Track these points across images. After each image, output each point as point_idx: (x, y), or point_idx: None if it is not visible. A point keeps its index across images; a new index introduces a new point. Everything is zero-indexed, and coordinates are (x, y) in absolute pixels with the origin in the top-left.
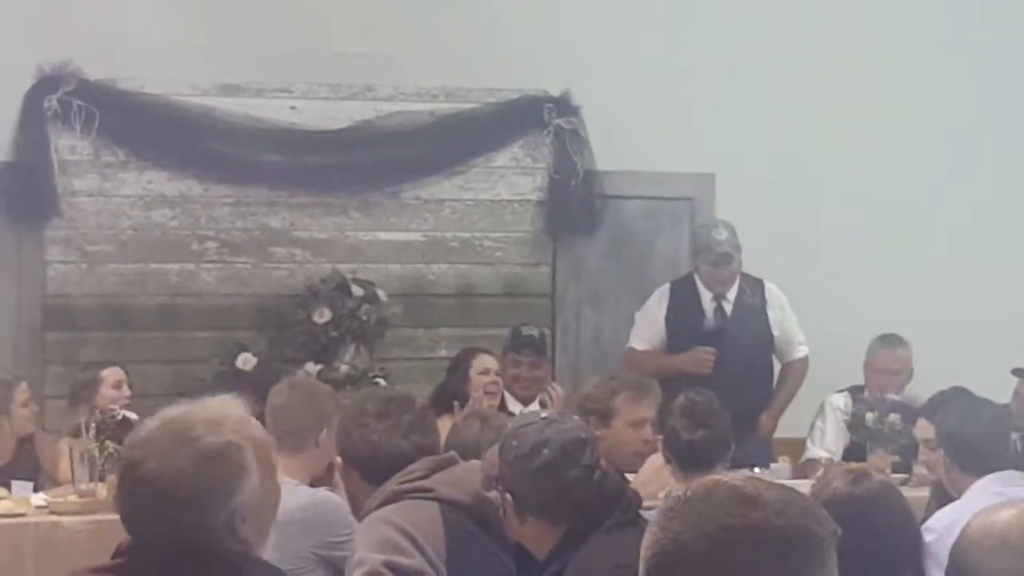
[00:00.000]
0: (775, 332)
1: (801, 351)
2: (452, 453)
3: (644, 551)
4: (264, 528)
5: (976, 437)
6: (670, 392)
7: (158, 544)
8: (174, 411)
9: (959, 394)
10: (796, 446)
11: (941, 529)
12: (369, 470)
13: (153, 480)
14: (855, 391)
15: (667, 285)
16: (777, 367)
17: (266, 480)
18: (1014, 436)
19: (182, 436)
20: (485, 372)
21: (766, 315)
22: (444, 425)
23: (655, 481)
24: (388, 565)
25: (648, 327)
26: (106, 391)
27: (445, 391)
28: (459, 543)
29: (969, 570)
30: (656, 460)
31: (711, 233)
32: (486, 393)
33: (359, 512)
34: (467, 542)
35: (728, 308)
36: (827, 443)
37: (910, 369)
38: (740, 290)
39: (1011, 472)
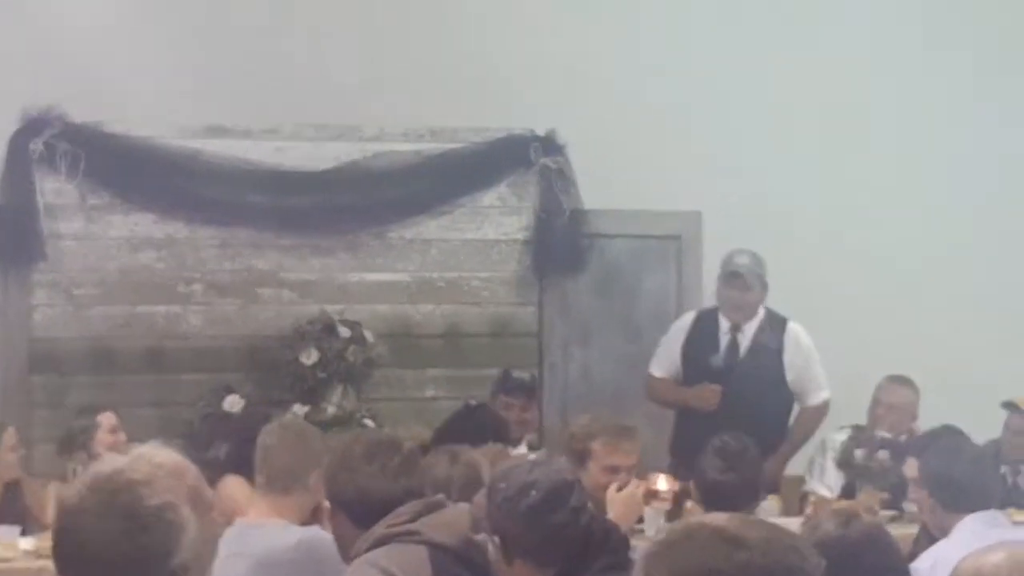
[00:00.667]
0: (788, 376)
1: (819, 397)
2: (440, 496)
3: None
4: (206, 567)
5: (959, 477)
6: (686, 423)
7: None
8: (103, 472)
9: (945, 433)
10: (787, 484)
11: (925, 570)
12: (358, 513)
13: (87, 550)
14: (857, 430)
15: (694, 312)
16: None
17: (203, 523)
18: (1003, 470)
19: (113, 503)
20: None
21: (780, 358)
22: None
23: (628, 510)
24: None
25: (667, 354)
26: (102, 436)
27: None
28: None
29: None
30: (616, 491)
31: (733, 255)
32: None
33: (347, 555)
34: None
35: (743, 345)
36: (827, 479)
37: (915, 411)
38: (760, 328)
39: (993, 512)
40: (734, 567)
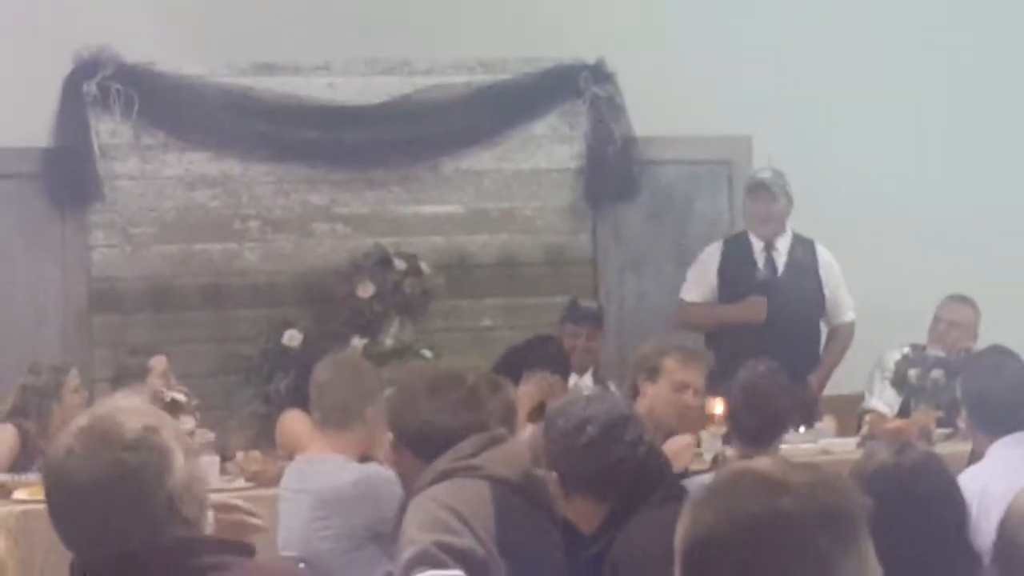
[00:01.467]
0: (825, 292)
1: (849, 315)
2: (502, 431)
3: (678, 542)
4: (203, 504)
5: (996, 397)
6: (720, 347)
7: (105, 552)
8: (83, 418)
9: (989, 352)
10: (843, 403)
11: (972, 495)
12: (420, 448)
13: (78, 486)
14: (913, 348)
15: (720, 241)
16: (823, 331)
17: (189, 459)
18: None
19: (100, 438)
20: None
21: (818, 274)
22: None
23: (680, 461)
24: (438, 545)
25: (700, 279)
26: (154, 380)
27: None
28: (508, 521)
29: (1018, 543)
30: (678, 440)
31: (756, 172)
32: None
33: (410, 489)
34: (516, 520)
35: (780, 262)
36: (885, 397)
37: (974, 330)
38: (792, 247)
39: None
40: (777, 513)
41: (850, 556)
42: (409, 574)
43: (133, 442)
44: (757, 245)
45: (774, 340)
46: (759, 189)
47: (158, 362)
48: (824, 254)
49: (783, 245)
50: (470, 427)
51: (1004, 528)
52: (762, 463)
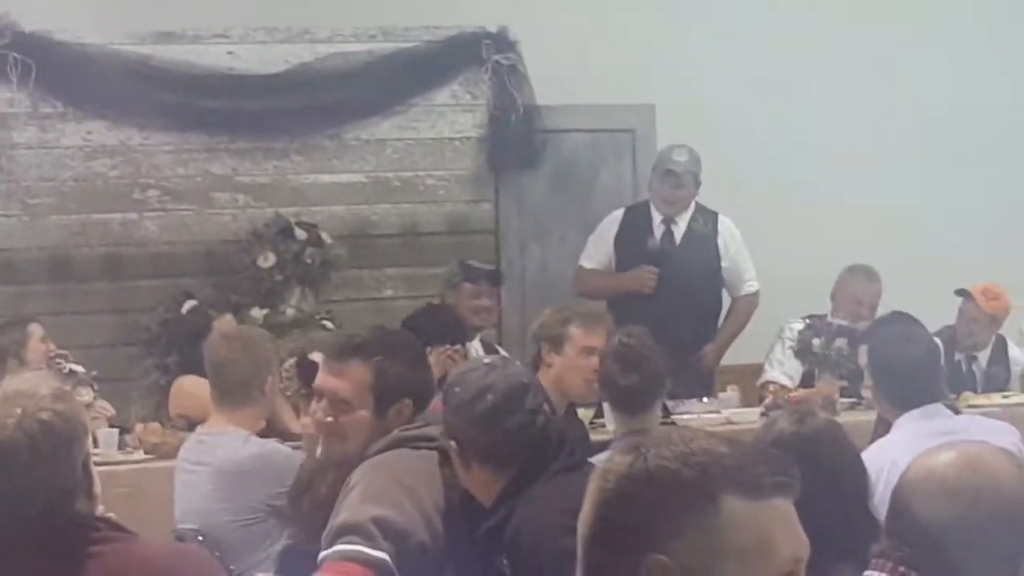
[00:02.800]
0: (724, 264)
1: (750, 287)
2: None
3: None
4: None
5: (905, 370)
6: (619, 315)
7: (13, 515)
8: None
9: (894, 321)
10: (747, 373)
11: (877, 470)
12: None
13: (13, 439)
14: (815, 319)
15: (622, 209)
16: (727, 303)
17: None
18: (958, 357)
19: (18, 403)
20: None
21: (716, 245)
22: None
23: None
24: (375, 521)
25: (598, 246)
26: (35, 344)
27: (435, 313)
28: (455, 494)
29: (910, 513)
30: None
31: (672, 152)
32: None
33: (361, 452)
34: (463, 493)
35: (678, 234)
36: (786, 368)
37: (876, 300)
38: (692, 219)
39: (936, 406)
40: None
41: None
42: (336, 540)
43: (51, 406)
44: (657, 216)
45: (671, 310)
46: (668, 177)
47: (36, 328)
48: (726, 226)
49: (683, 219)
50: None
51: (896, 495)
52: (671, 432)
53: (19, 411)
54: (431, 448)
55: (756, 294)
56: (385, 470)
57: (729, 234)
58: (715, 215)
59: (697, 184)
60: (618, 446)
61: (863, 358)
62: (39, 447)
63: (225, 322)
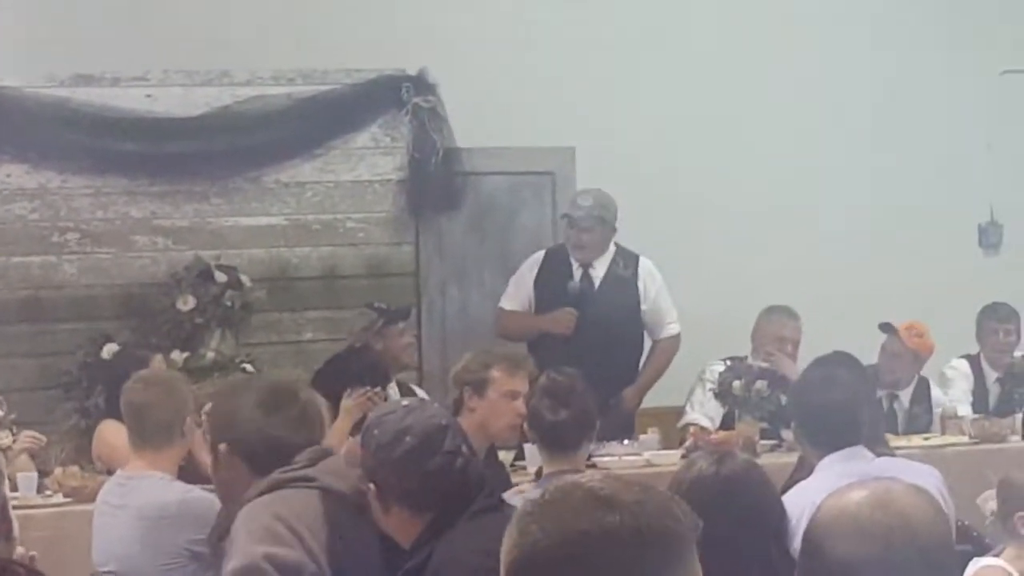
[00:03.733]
0: (644, 307)
1: (671, 329)
2: (329, 446)
3: (504, 554)
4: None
5: (826, 412)
6: (539, 357)
7: None
8: None
9: (816, 366)
10: (667, 416)
11: (797, 514)
12: (258, 461)
13: None
14: (735, 361)
15: (543, 251)
16: (648, 345)
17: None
18: (880, 395)
19: None
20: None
21: (636, 288)
22: None
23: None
24: (268, 558)
25: (518, 288)
26: None
27: (359, 354)
28: (338, 532)
29: (822, 552)
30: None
31: (578, 197)
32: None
33: (236, 498)
34: (347, 532)
35: (596, 277)
36: (706, 410)
37: (796, 338)
38: (613, 261)
39: (857, 448)
40: (604, 530)
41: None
42: None
43: None
44: (575, 261)
45: (590, 352)
46: (572, 225)
47: None
48: (647, 268)
49: (601, 263)
50: (308, 442)
51: (808, 533)
52: (592, 478)
53: None
54: (311, 488)
55: (677, 336)
56: (267, 510)
57: (650, 276)
58: (636, 257)
59: (606, 225)
60: (546, 484)
61: (788, 402)
62: None
63: (156, 362)
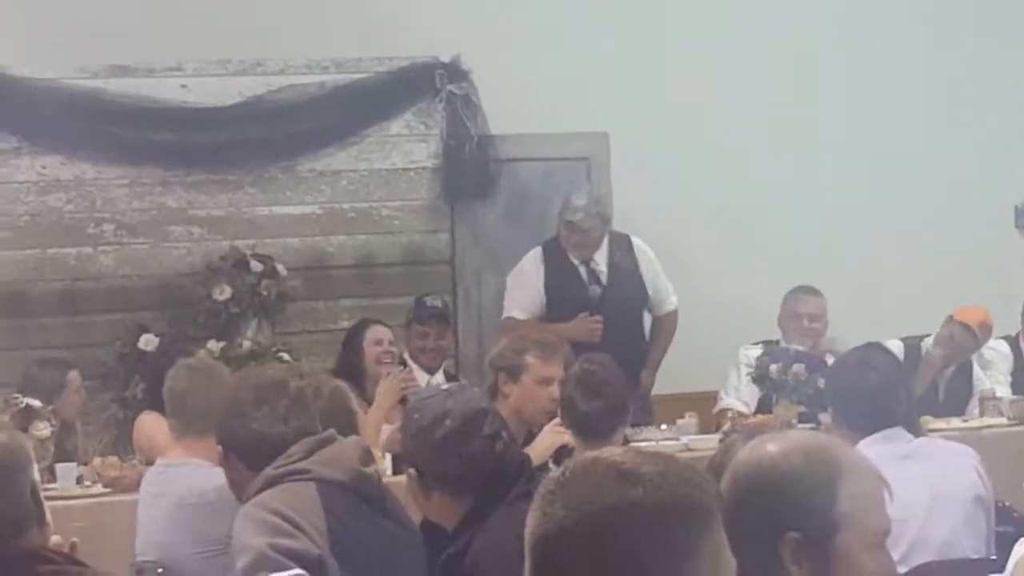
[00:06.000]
0: (650, 291)
1: (671, 303)
2: (331, 431)
3: (527, 534)
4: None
5: (864, 394)
6: None
7: None
8: None
9: (858, 349)
10: (703, 400)
11: None
12: (250, 458)
13: None
14: (770, 345)
15: (538, 249)
16: (647, 321)
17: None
18: (939, 385)
19: None
20: (379, 343)
21: (640, 275)
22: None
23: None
24: (273, 547)
25: (526, 294)
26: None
27: (343, 366)
28: (338, 521)
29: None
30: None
31: (571, 198)
32: (380, 363)
33: (241, 498)
34: (347, 519)
35: (602, 273)
36: (742, 394)
37: (826, 319)
38: (611, 252)
39: (895, 430)
40: (627, 503)
41: (703, 546)
42: None
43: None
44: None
45: (607, 345)
46: (571, 227)
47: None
48: (640, 247)
49: (600, 256)
50: (299, 433)
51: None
52: (613, 453)
53: None
54: (307, 480)
55: (676, 310)
56: (262, 507)
57: (645, 257)
58: (627, 239)
59: (604, 221)
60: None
61: (825, 384)
62: None
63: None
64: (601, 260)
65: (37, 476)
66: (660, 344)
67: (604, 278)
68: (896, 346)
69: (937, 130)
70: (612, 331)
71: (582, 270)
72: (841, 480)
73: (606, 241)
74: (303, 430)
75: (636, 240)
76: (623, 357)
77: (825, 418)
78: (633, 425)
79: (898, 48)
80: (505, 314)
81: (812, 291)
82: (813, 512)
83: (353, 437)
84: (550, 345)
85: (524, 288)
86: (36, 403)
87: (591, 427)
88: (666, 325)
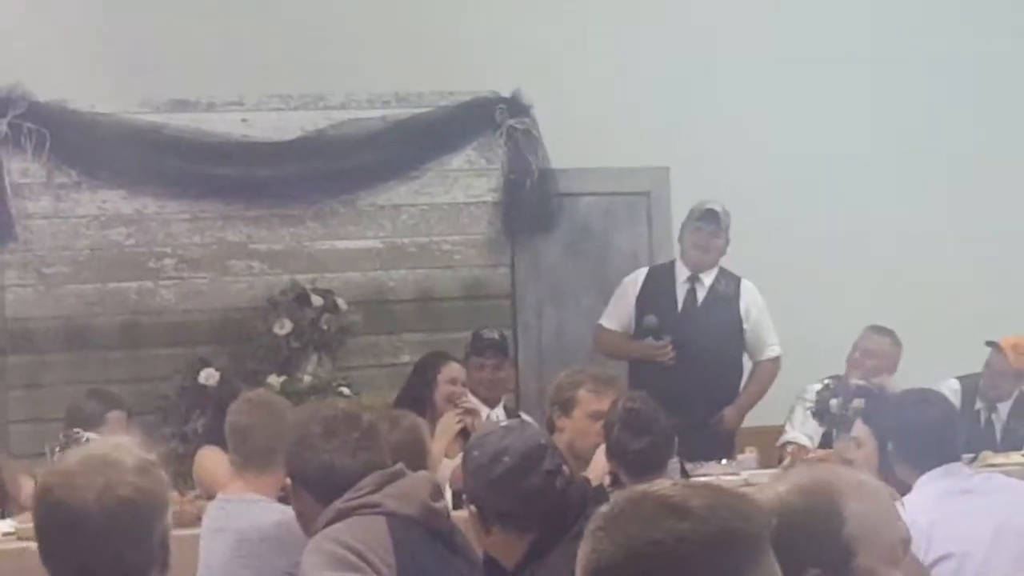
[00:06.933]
0: (746, 327)
1: (772, 351)
2: (400, 466)
3: (578, 569)
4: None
5: (924, 429)
6: (639, 375)
7: None
8: (78, 451)
9: (914, 390)
10: (767, 435)
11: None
12: (320, 490)
13: (86, 519)
14: (833, 379)
15: (645, 269)
16: (748, 367)
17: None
18: (979, 406)
19: (102, 470)
20: (453, 381)
21: (737, 306)
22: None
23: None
24: None
25: (619, 306)
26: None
27: (408, 395)
28: (408, 556)
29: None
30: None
31: (704, 202)
32: (449, 402)
33: (309, 531)
34: (416, 554)
35: (701, 294)
36: (805, 429)
37: (894, 362)
38: (716, 279)
39: (956, 465)
40: (675, 537)
41: None
42: None
43: (134, 480)
44: (681, 275)
45: (693, 368)
46: (709, 218)
47: (117, 418)
48: (749, 289)
49: (707, 278)
50: (369, 466)
51: None
52: (662, 486)
53: (101, 482)
54: (376, 514)
55: (778, 359)
56: (331, 540)
57: (752, 298)
58: (738, 279)
59: (728, 239)
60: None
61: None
62: (116, 523)
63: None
64: (707, 281)
65: (170, 520)
66: (752, 387)
67: (700, 299)
68: (953, 384)
69: (1004, 160)
70: (701, 357)
71: (681, 289)
72: (843, 505)
73: (716, 270)
74: (372, 463)
75: (747, 282)
76: (709, 386)
77: (839, 444)
78: (694, 460)
79: (966, 73)
80: (600, 321)
81: (883, 331)
82: (823, 545)
83: (423, 472)
84: (605, 380)
85: (620, 298)
86: (95, 436)
87: (641, 466)
88: (763, 370)
